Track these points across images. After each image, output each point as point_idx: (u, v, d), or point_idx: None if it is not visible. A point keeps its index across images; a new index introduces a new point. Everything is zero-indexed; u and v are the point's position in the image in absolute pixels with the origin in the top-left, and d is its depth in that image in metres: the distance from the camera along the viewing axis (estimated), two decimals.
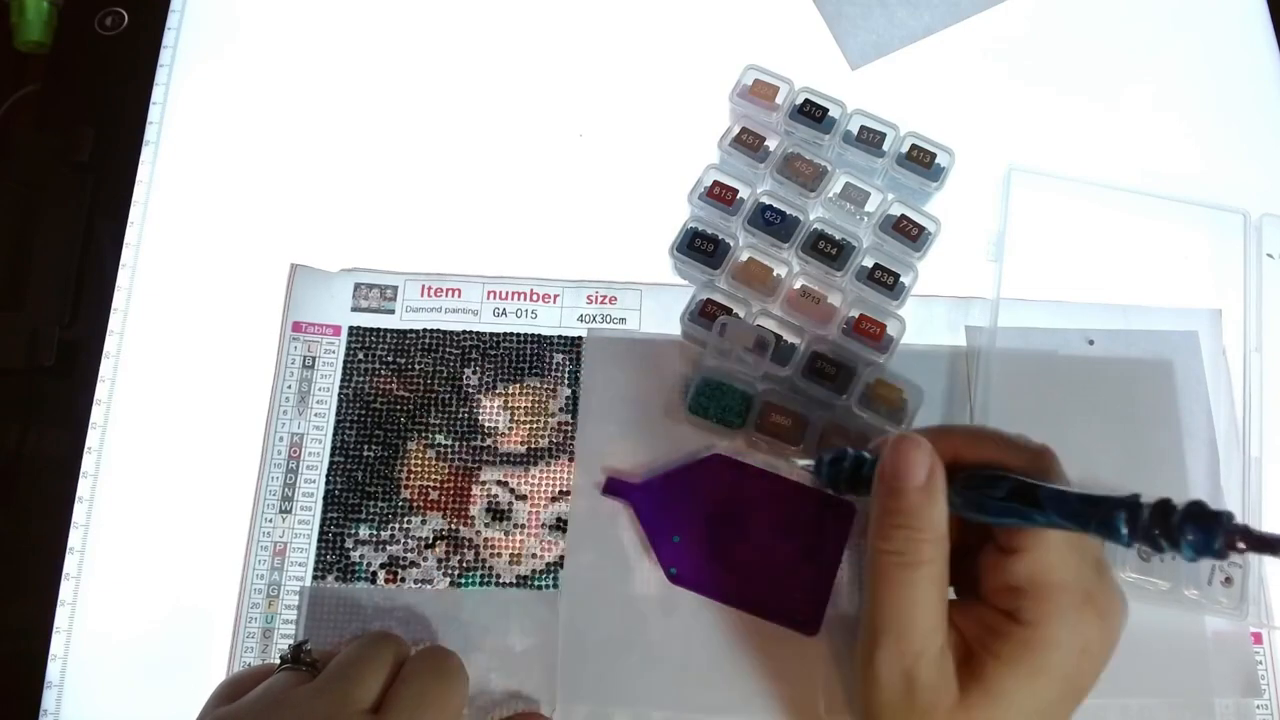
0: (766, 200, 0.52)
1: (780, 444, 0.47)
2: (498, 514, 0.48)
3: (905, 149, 0.53)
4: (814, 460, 0.41)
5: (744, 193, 0.52)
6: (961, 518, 0.36)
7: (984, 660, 0.35)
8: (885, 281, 0.50)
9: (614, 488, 0.48)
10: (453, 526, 0.48)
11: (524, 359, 0.51)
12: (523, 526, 0.48)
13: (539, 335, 0.51)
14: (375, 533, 0.48)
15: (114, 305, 0.51)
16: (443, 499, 0.49)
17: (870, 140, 0.53)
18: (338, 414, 0.50)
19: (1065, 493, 0.34)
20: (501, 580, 0.47)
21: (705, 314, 0.50)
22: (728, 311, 0.50)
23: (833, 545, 0.47)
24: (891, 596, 0.35)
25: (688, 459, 0.49)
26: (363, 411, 0.50)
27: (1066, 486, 0.35)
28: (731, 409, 0.48)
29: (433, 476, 0.49)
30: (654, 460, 0.49)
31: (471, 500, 0.49)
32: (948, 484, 0.36)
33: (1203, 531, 0.30)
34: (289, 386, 0.50)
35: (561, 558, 0.48)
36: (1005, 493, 0.35)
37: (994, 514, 0.35)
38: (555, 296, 0.52)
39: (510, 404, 0.50)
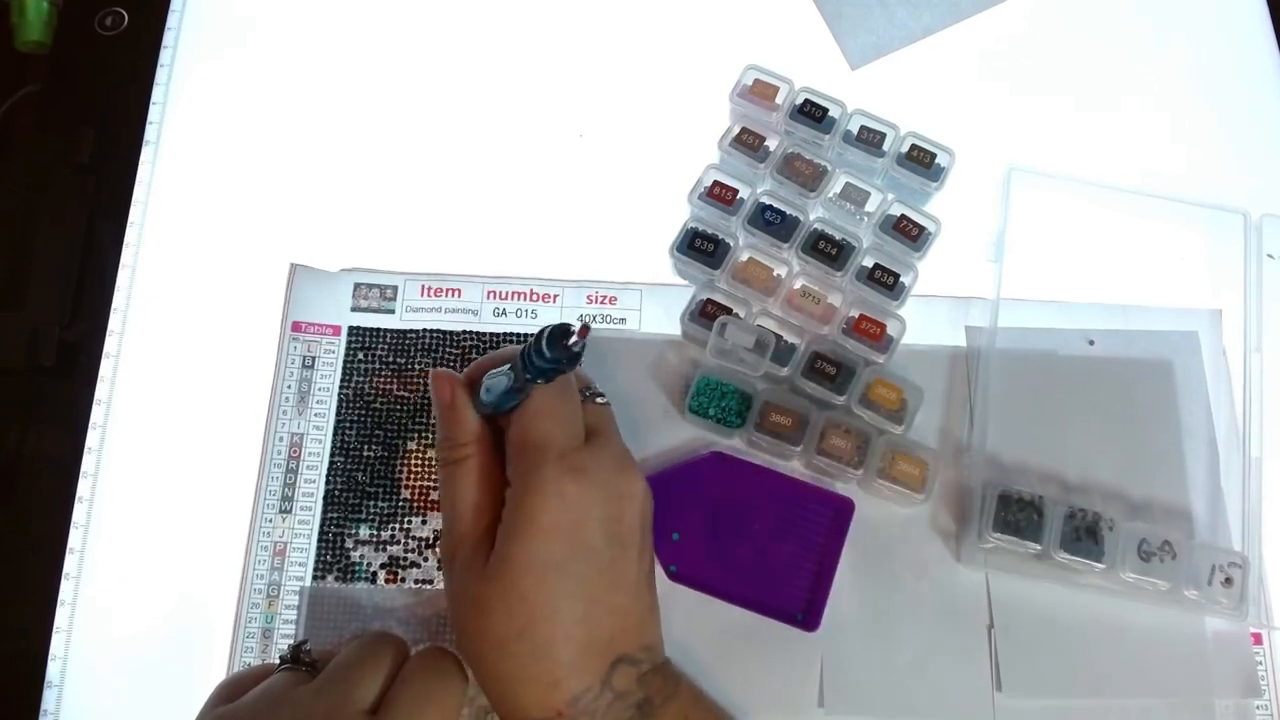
0: (766, 200, 0.52)
1: (781, 444, 0.47)
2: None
3: (905, 149, 0.53)
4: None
5: (744, 193, 0.52)
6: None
7: (500, 523, 0.39)
8: (885, 281, 0.50)
9: None
10: None
11: None
12: None
13: None
14: (375, 533, 0.48)
15: (114, 305, 0.52)
16: None
17: (870, 140, 0.53)
18: (338, 414, 0.50)
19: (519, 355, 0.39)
20: None
21: (705, 314, 0.49)
22: (728, 312, 0.50)
23: (832, 542, 0.47)
24: (444, 492, 0.41)
25: (688, 457, 0.49)
26: (363, 411, 0.50)
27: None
28: (731, 409, 0.48)
29: (433, 476, 0.49)
30: (652, 459, 0.49)
31: None
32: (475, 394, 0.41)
33: (553, 335, 0.37)
34: (289, 386, 0.50)
35: None
36: (504, 380, 0.40)
37: (500, 404, 0.40)
38: (555, 296, 0.52)
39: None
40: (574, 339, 0.37)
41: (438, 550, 0.44)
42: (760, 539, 0.47)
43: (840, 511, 0.47)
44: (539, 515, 0.37)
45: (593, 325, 0.51)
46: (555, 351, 0.37)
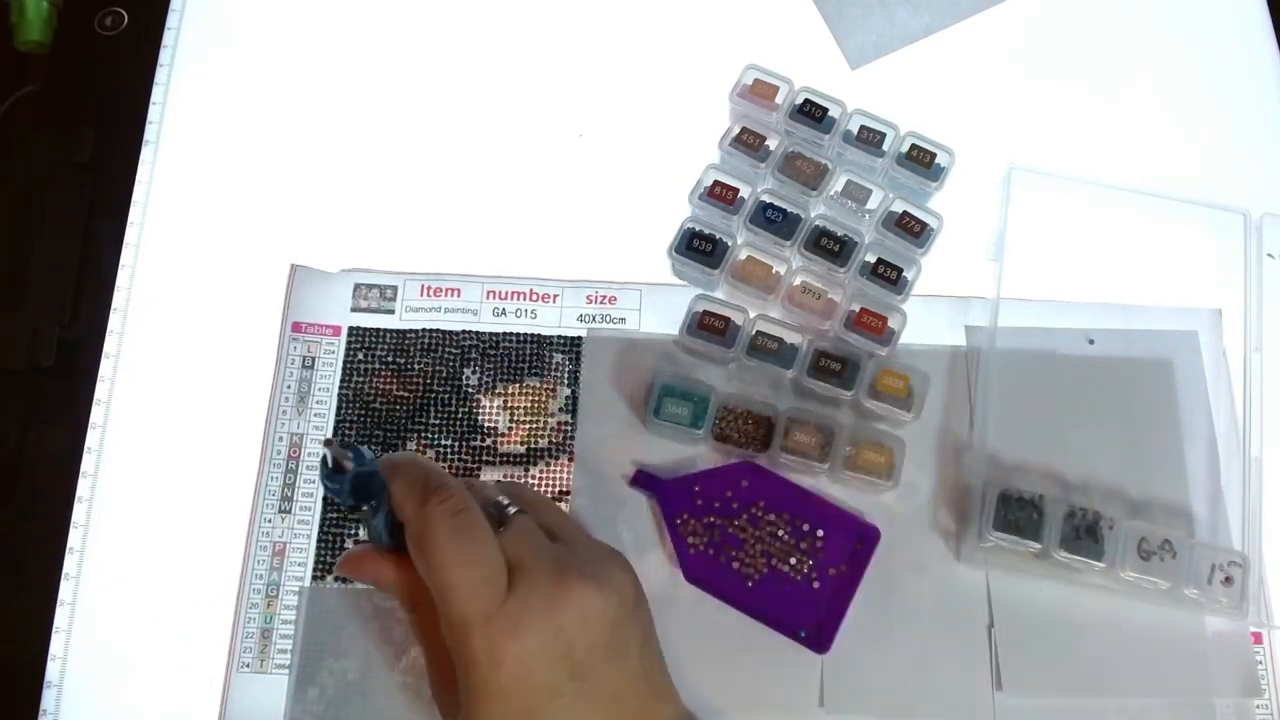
0: (767, 199, 0.52)
1: (807, 461, 0.47)
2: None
3: (905, 149, 0.53)
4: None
5: (744, 192, 0.52)
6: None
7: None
8: (888, 276, 0.50)
9: (642, 481, 0.48)
10: None
11: (524, 359, 0.51)
12: None
13: (539, 335, 0.51)
14: None
15: (114, 305, 0.52)
16: None
17: (870, 140, 0.53)
18: (338, 414, 0.50)
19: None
20: None
21: (703, 326, 0.49)
22: (725, 321, 0.49)
23: (854, 569, 0.47)
24: (415, 639, 0.40)
25: (719, 462, 0.49)
26: (362, 411, 0.50)
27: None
28: (687, 414, 0.48)
29: None
30: (650, 459, 0.49)
31: None
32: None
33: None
34: (289, 386, 0.50)
35: None
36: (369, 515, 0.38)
37: (386, 540, 0.38)
38: (555, 296, 0.52)
39: (510, 404, 0.50)
40: (338, 462, 0.36)
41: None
42: (782, 555, 0.47)
43: (866, 539, 0.47)
44: (482, 685, 0.35)
45: (592, 325, 0.51)
46: (335, 480, 0.36)
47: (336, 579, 0.47)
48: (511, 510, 0.39)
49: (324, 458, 0.36)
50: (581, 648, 0.36)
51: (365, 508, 0.37)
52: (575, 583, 0.37)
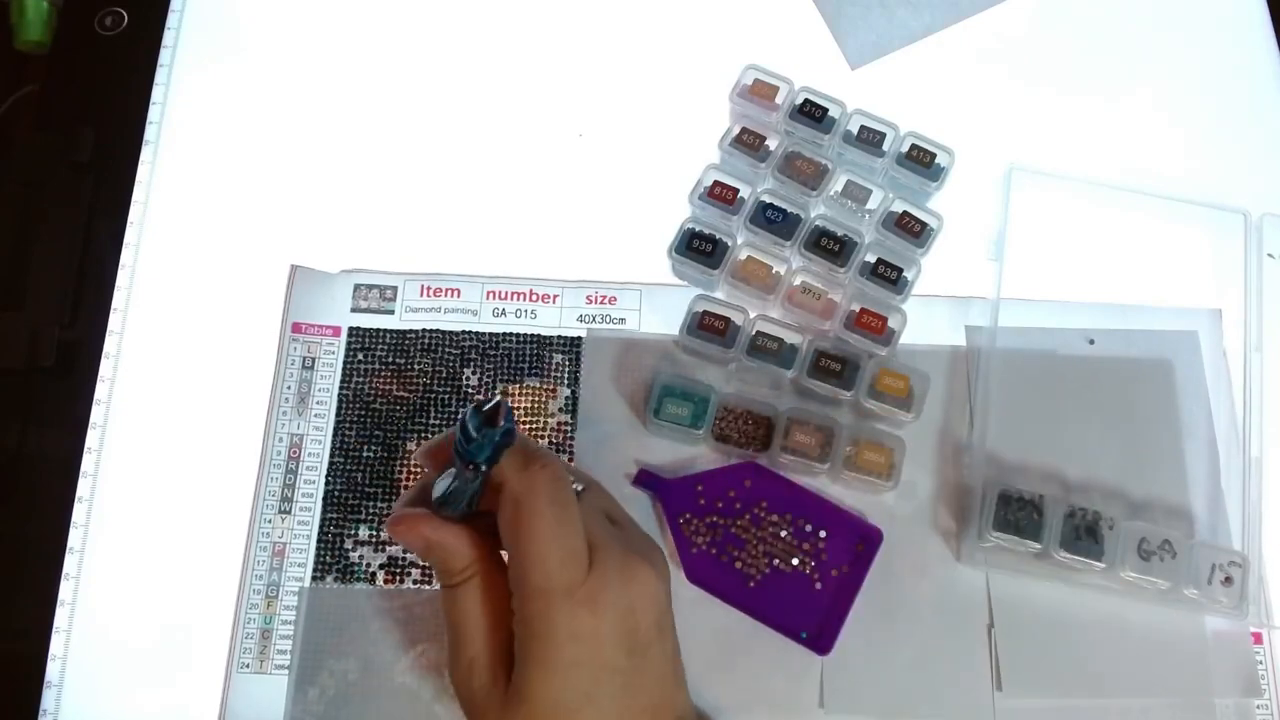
0: (767, 199, 0.52)
1: (807, 461, 0.47)
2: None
3: (905, 149, 0.53)
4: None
5: (744, 192, 0.52)
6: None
7: (515, 662, 0.37)
8: (888, 276, 0.50)
9: (645, 480, 0.48)
10: None
11: (524, 359, 0.51)
12: None
13: (538, 335, 0.51)
14: (375, 533, 0.48)
15: (114, 305, 0.51)
16: None
17: (870, 140, 0.53)
18: (337, 414, 0.50)
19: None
20: None
21: (704, 326, 0.49)
22: (725, 321, 0.49)
23: (856, 570, 0.47)
24: (449, 613, 0.38)
25: (719, 463, 0.49)
26: (362, 412, 0.50)
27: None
28: (688, 414, 0.48)
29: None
30: (650, 459, 0.49)
31: None
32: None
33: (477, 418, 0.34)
34: (289, 387, 0.50)
35: None
36: (452, 476, 0.37)
37: (461, 505, 0.38)
38: (555, 296, 0.52)
39: (510, 404, 0.50)
40: (497, 412, 0.35)
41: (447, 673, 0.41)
42: (785, 555, 0.47)
43: (868, 541, 0.47)
44: (554, 657, 0.35)
45: (592, 325, 0.51)
46: (484, 434, 0.34)
47: (336, 579, 0.47)
48: (578, 488, 0.40)
49: (475, 410, 0.35)
50: (643, 627, 0.37)
51: (472, 468, 0.36)
52: (640, 563, 0.38)
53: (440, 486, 0.37)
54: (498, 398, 0.35)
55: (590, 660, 0.36)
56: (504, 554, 0.37)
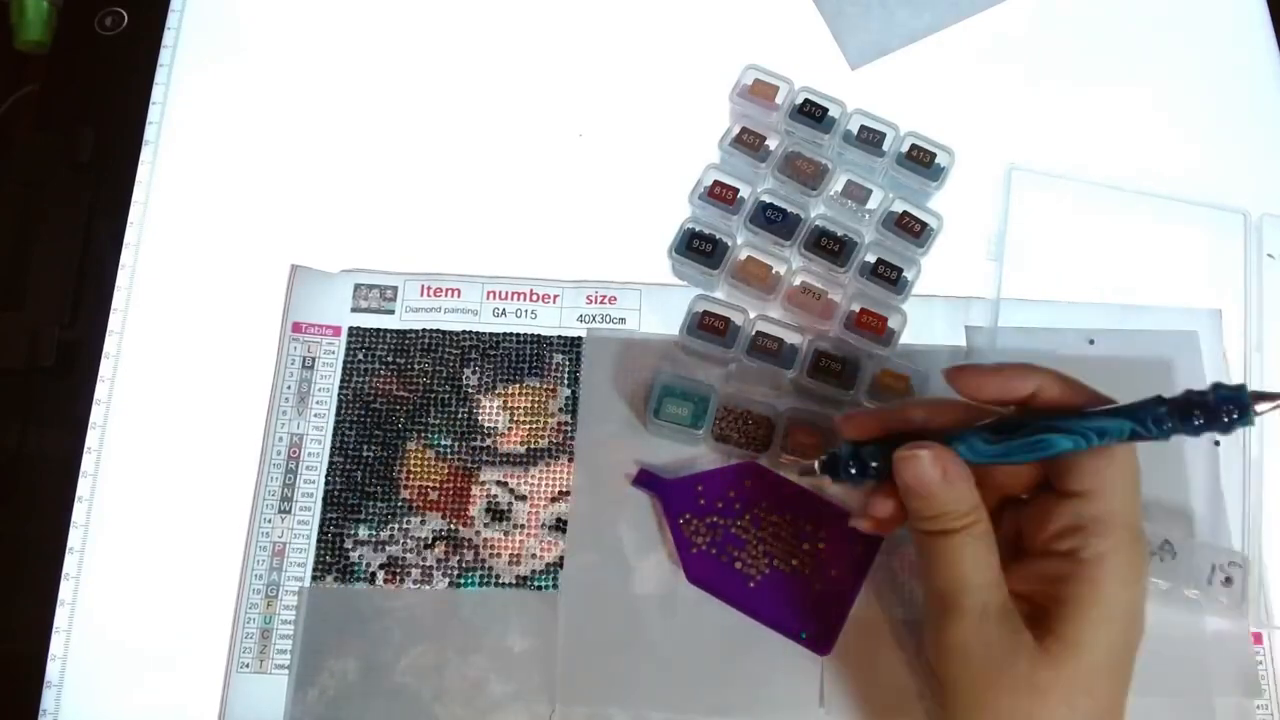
0: (767, 199, 0.52)
1: (808, 462, 0.47)
2: (497, 514, 0.48)
3: (905, 149, 0.53)
4: (819, 463, 0.41)
5: (744, 192, 0.52)
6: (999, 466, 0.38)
7: (1053, 612, 0.36)
8: (888, 276, 0.50)
9: (645, 480, 0.48)
10: (452, 527, 0.48)
11: (524, 359, 0.51)
12: (522, 527, 0.48)
13: (538, 335, 0.51)
14: (374, 533, 0.48)
15: (114, 305, 0.51)
16: (442, 499, 0.49)
17: (870, 140, 0.53)
18: (337, 414, 0.50)
19: (1092, 413, 0.37)
20: (501, 581, 0.47)
21: (704, 326, 0.49)
22: (725, 321, 0.49)
23: (856, 570, 0.47)
24: (943, 565, 0.37)
25: (719, 463, 0.49)
26: (362, 412, 0.50)
27: (1085, 410, 0.37)
28: (688, 415, 0.48)
29: (432, 477, 0.49)
30: (650, 459, 0.49)
31: (471, 500, 0.49)
32: (976, 435, 0.38)
33: (1233, 401, 0.34)
34: (289, 387, 0.50)
35: (561, 558, 0.48)
36: (1033, 430, 0.37)
37: (1031, 452, 0.37)
38: (555, 296, 0.52)
39: (510, 404, 0.50)
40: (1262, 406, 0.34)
41: (925, 640, 0.39)
42: (785, 556, 0.47)
43: (868, 541, 0.47)
44: (1122, 605, 0.35)
45: (592, 325, 0.51)
46: (1223, 419, 0.35)
47: (336, 579, 0.47)
48: None
49: (1231, 395, 0.35)
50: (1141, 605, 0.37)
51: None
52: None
53: (1003, 450, 0.37)
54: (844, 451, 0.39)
55: (1138, 617, 0.36)
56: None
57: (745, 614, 0.46)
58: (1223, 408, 0.34)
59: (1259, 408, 0.34)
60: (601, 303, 0.52)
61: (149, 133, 0.55)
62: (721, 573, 0.47)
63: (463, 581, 0.47)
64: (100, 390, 0.50)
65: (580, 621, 0.46)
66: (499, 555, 0.48)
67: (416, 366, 0.51)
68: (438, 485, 0.49)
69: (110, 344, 0.51)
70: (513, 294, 0.52)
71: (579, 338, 0.51)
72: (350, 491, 0.49)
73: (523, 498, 0.49)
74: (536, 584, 0.47)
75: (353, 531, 0.48)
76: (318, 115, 0.56)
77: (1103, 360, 0.51)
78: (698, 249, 0.50)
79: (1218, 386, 0.35)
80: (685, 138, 0.54)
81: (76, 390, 0.50)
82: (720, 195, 0.52)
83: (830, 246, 0.50)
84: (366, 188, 0.54)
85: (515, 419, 0.50)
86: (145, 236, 0.53)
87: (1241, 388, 0.35)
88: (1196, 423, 0.35)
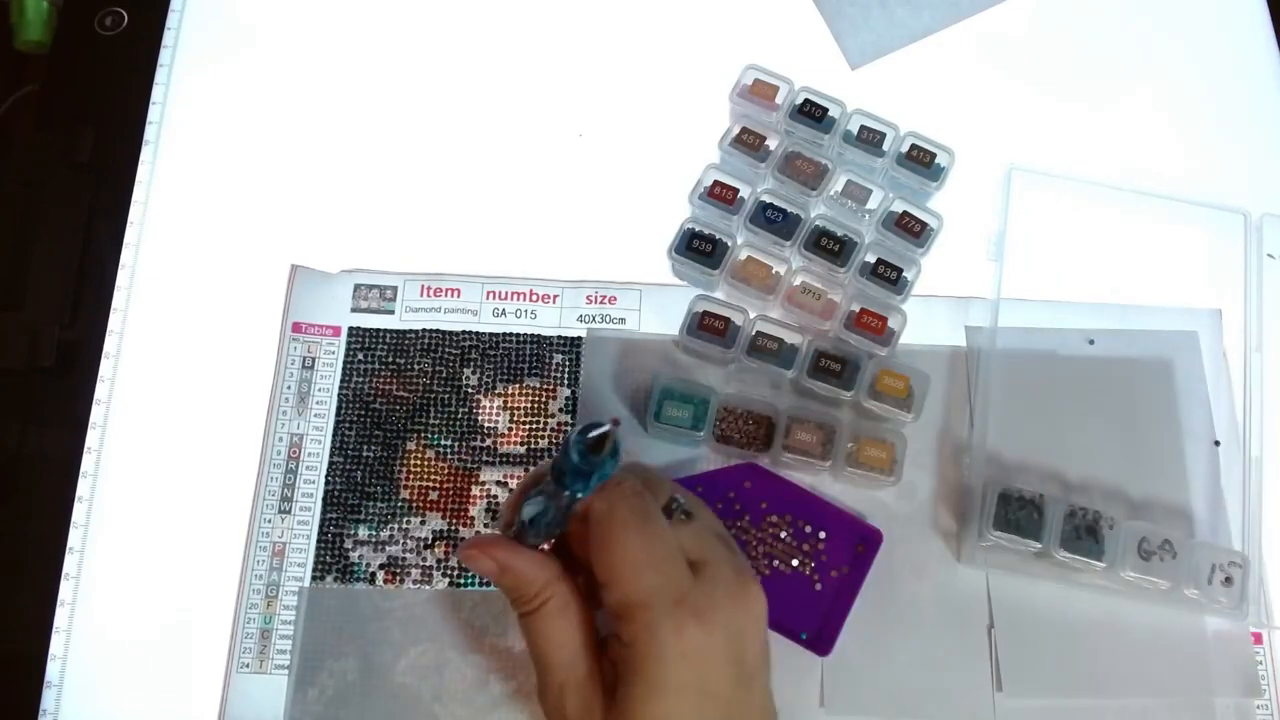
0: (767, 199, 0.52)
1: (809, 459, 0.47)
2: (497, 514, 0.48)
3: (905, 149, 0.53)
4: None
5: (744, 192, 0.52)
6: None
7: (617, 685, 0.36)
8: (888, 276, 0.50)
9: None
10: (452, 527, 0.48)
11: (524, 359, 0.51)
12: None
13: (538, 335, 0.51)
14: (374, 533, 0.48)
15: (114, 305, 0.51)
16: (442, 499, 0.49)
17: (870, 140, 0.53)
18: (337, 414, 0.50)
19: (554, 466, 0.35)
20: None
21: (704, 326, 0.49)
22: (725, 321, 0.49)
23: (855, 571, 0.47)
24: (529, 641, 0.38)
25: (722, 464, 0.49)
26: (362, 412, 0.50)
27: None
28: (688, 417, 0.47)
29: (432, 477, 0.49)
30: (651, 461, 0.49)
31: (471, 500, 0.49)
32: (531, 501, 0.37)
33: (581, 438, 0.33)
34: (289, 387, 0.50)
35: None
36: (543, 500, 0.36)
37: (550, 530, 0.37)
38: (555, 296, 0.52)
39: (510, 404, 0.50)
40: (604, 441, 0.33)
41: (537, 700, 0.39)
42: (785, 556, 0.47)
43: (868, 542, 0.47)
44: (661, 678, 0.34)
45: (592, 325, 0.51)
46: (588, 459, 0.33)
47: (336, 579, 0.47)
48: (685, 508, 0.39)
49: (581, 435, 0.34)
50: (750, 655, 0.36)
51: (569, 493, 0.35)
52: (753, 583, 0.37)
53: (530, 510, 0.36)
54: (607, 426, 0.34)
55: (698, 684, 0.35)
56: (602, 583, 0.36)
57: None
58: (572, 449, 0.33)
59: (593, 435, 0.33)
60: (601, 303, 0.52)
61: (149, 133, 0.55)
62: None
63: (463, 581, 0.47)
64: (100, 390, 0.50)
65: None
66: None
67: (416, 366, 0.51)
68: (438, 485, 0.49)
69: (110, 344, 0.51)
70: (513, 294, 0.52)
71: (579, 338, 0.51)
72: (350, 491, 0.49)
73: None
74: None
75: (352, 531, 0.48)
76: (317, 115, 0.56)
77: (1103, 360, 0.51)
78: (698, 249, 0.50)
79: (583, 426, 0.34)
80: (685, 138, 0.55)
81: (76, 390, 0.50)
82: (720, 195, 0.52)
83: (830, 246, 0.50)
84: (366, 188, 0.54)
85: (515, 419, 0.50)
86: (145, 236, 0.53)
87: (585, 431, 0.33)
88: (573, 483, 0.34)
